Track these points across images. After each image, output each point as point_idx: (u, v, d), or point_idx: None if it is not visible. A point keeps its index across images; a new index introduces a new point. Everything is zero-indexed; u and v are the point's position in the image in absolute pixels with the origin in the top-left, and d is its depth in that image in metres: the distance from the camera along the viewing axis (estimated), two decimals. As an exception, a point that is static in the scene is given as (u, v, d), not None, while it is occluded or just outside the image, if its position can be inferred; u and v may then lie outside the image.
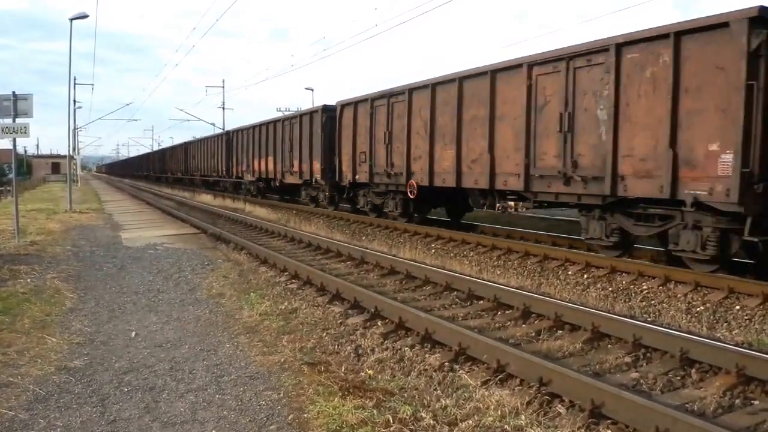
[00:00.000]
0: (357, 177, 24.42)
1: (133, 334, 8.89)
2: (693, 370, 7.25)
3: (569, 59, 14.36)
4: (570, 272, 13.30)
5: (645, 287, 11.77)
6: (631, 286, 11.93)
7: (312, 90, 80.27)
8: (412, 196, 20.69)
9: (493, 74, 16.88)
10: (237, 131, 42.83)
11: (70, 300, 10.91)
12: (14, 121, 17.87)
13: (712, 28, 11.42)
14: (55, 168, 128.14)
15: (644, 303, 11.08)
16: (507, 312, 10.00)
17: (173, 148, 75.21)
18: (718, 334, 9.17)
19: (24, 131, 17.97)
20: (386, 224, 21.82)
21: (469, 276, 12.20)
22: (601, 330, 8.51)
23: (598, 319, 8.69)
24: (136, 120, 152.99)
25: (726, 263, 12.20)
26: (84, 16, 32.35)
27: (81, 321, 9.55)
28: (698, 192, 11.70)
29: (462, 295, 11.07)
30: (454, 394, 6.45)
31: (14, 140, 18.65)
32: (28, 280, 12.29)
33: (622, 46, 13.06)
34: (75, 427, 5.81)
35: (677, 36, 11.95)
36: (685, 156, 11.98)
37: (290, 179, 31.89)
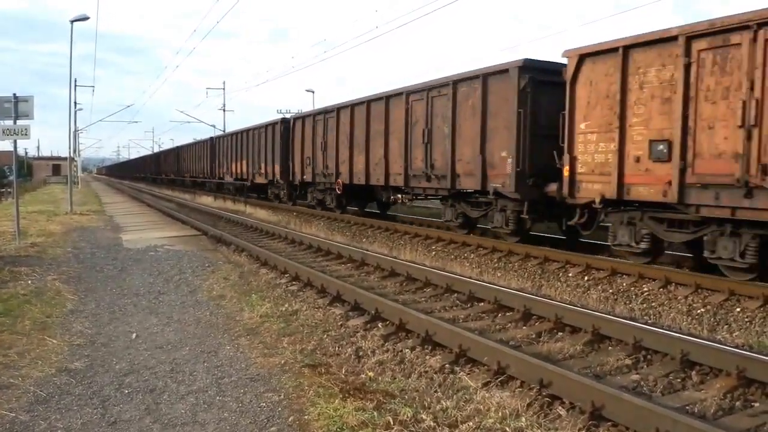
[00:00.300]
0: (305, 177, 30.78)
1: (134, 335, 8.90)
2: (693, 372, 7.25)
3: (429, 90, 20.00)
4: (570, 274, 13.31)
5: (645, 289, 11.79)
6: (632, 288, 11.95)
7: (313, 92, 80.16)
8: (339, 192, 26.97)
9: (387, 99, 22.66)
10: (219, 138, 50.12)
11: (70, 302, 10.91)
12: (15, 122, 17.87)
13: (501, 72, 16.66)
14: (56, 170, 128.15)
15: (645, 305, 11.08)
16: (508, 314, 10.01)
17: (167, 152, 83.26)
18: (719, 336, 9.18)
19: (25, 133, 17.97)
20: (387, 226, 21.93)
21: (470, 278, 12.22)
22: (602, 332, 8.51)
23: (598, 321, 8.69)
24: (136, 122, 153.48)
25: (525, 236, 17.48)
26: (84, 18, 32.35)
27: (82, 323, 9.55)
28: (496, 185, 16.93)
29: (463, 297, 11.07)
30: (455, 396, 6.45)
31: (15, 142, 18.67)
32: (29, 281, 12.29)
33: (457, 82, 18.50)
34: (76, 429, 5.81)
35: (485, 77, 17.23)
36: (489, 160, 17.28)
37: (259, 179, 37.52)
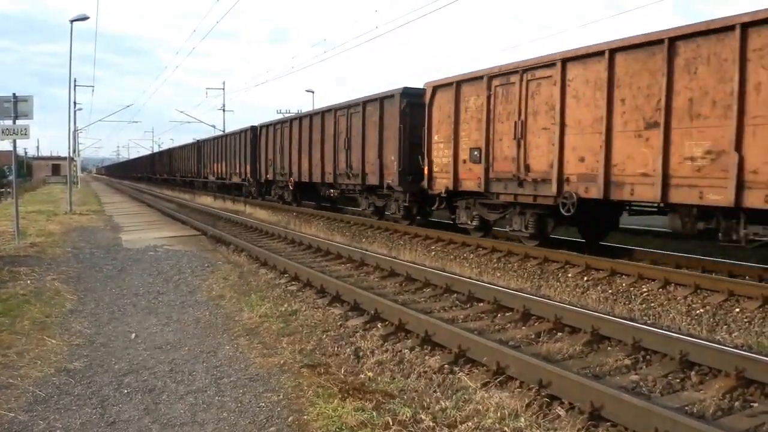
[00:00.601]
0: (268, 176, 36.43)
1: (133, 335, 8.90)
2: (693, 373, 7.24)
3: (348, 108, 25.68)
4: (570, 274, 13.31)
5: (645, 289, 11.79)
6: (631, 289, 11.95)
7: (312, 92, 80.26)
8: (292, 188, 32.84)
9: (323, 114, 28.57)
10: (204, 141, 55.17)
11: (70, 301, 10.91)
12: (14, 122, 17.87)
13: (390, 96, 22.24)
14: (55, 170, 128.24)
15: (644, 305, 11.08)
16: (507, 314, 10.01)
17: (161, 153, 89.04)
18: (718, 337, 9.18)
19: (24, 133, 17.97)
20: (386, 226, 21.98)
21: (469, 278, 12.23)
22: (601, 332, 8.51)
23: (598, 321, 8.69)
24: (136, 122, 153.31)
25: (413, 220, 22.80)
26: (84, 18, 32.36)
27: (81, 322, 9.55)
28: (389, 181, 22.26)
29: (462, 298, 11.08)
30: (454, 396, 6.45)
31: (14, 142, 18.67)
32: (28, 281, 12.29)
33: (365, 102, 23.97)
34: (75, 429, 5.81)
35: (381, 99, 22.84)
36: (384, 162, 22.67)
37: (235, 179, 42.82)
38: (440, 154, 19.36)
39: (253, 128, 39.21)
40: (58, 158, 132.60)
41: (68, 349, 8.21)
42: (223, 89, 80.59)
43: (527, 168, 15.80)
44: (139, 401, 6.45)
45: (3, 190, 58.13)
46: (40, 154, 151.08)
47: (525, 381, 6.76)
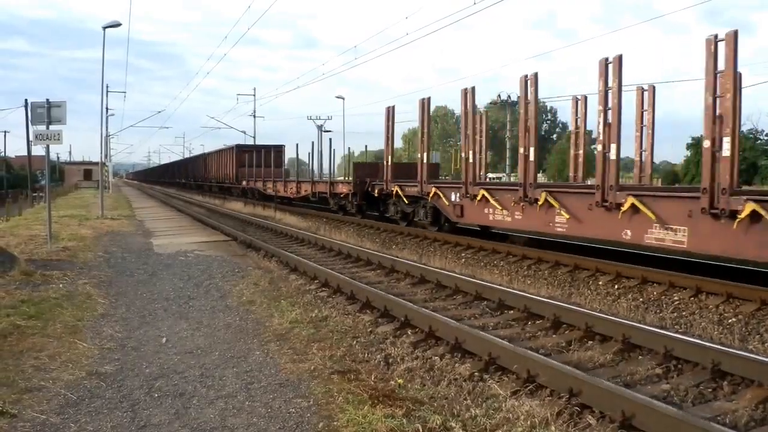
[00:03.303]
0: (243, 183, 48.40)
1: (164, 340, 8.94)
2: (725, 383, 7.19)
3: (223, 150, 55.75)
4: (600, 282, 13.21)
5: (676, 298, 11.68)
6: (662, 297, 11.84)
7: (343, 98, 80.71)
8: (245, 189, 47.93)
9: (220, 151, 56.88)
10: (207, 154, 68.71)
11: (101, 305, 10.99)
12: (48, 128, 18.03)
13: (233, 147, 51.20)
14: (87, 174, 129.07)
15: (675, 314, 10.99)
16: (537, 322, 9.97)
17: (180, 162, 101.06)
18: (750, 346, 9.08)
19: (57, 138, 18.13)
20: (416, 233, 21.78)
21: (500, 285, 12.18)
22: (632, 341, 8.46)
23: (628, 329, 8.64)
24: (167, 128, 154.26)
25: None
26: (117, 25, 32.62)
27: (112, 326, 9.61)
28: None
29: (492, 305, 11.04)
30: (484, 404, 6.43)
31: (47, 147, 18.85)
32: (60, 285, 12.38)
33: (225, 150, 54.51)
34: (106, 432, 5.85)
35: (232, 148, 51.93)
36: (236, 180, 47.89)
37: (227, 183, 55.05)
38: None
39: (238, 146, 53.22)
40: (90, 163, 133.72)
41: (99, 352, 8.27)
42: (254, 95, 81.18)
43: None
44: (170, 405, 6.48)
45: (36, 194, 58.69)
46: (72, 159, 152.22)
47: (555, 389, 6.72)
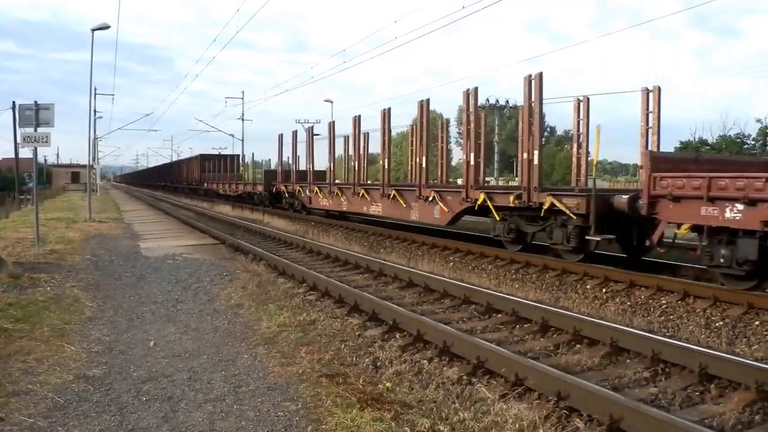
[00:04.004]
0: (206, 185, 57.77)
1: (152, 343, 8.93)
2: (712, 386, 7.23)
3: (191, 159, 71.13)
4: (588, 286, 13.23)
5: (664, 302, 11.70)
6: (650, 301, 11.86)
7: (331, 102, 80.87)
8: (209, 190, 57.09)
9: (190, 160, 72.24)
10: (179, 161, 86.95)
11: (89, 309, 10.96)
12: (36, 130, 17.97)
13: (197, 156, 67.58)
14: (75, 177, 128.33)
15: (663, 318, 11.01)
16: (525, 325, 10.00)
17: (162, 166, 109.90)
18: (738, 350, 9.13)
19: (45, 141, 18.07)
20: (404, 237, 21.74)
21: (488, 289, 12.21)
22: (620, 344, 8.49)
23: (616, 333, 8.67)
24: (155, 130, 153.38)
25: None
26: (105, 27, 32.50)
27: (100, 330, 9.59)
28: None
29: (480, 309, 11.07)
30: (472, 408, 6.45)
31: (35, 149, 18.77)
32: (48, 288, 12.34)
33: (194, 158, 69.87)
34: (94, 436, 5.84)
35: (197, 157, 67.13)
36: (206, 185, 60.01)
37: (194, 185, 66.09)
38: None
39: (202, 155, 66.09)
40: (78, 166, 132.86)
41: (87, 356, 8.25)
42: (242, 99, 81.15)
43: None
44: (158, 409, 6.47)
45: (23, 197, 58.51)
46: (59, 162, 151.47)
47: (544, 393, 6.74)
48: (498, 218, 16.86)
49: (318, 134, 35.38)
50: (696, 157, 16.80)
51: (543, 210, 15.14)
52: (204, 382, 7.27)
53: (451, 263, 17.12)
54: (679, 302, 11.53)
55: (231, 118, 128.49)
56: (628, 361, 8.22)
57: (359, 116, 26.15)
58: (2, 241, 20.20)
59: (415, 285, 13.23)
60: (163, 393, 6.93)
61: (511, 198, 16.06)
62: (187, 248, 19.52)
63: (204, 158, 63.88)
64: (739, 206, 11.04)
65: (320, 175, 31.52)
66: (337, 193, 27.04)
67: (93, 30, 32.46)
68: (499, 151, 69.04)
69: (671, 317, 11.00)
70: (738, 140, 46.31)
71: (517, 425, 5.87)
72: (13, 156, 62.36)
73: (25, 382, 7.14)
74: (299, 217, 31.89)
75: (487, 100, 71.11)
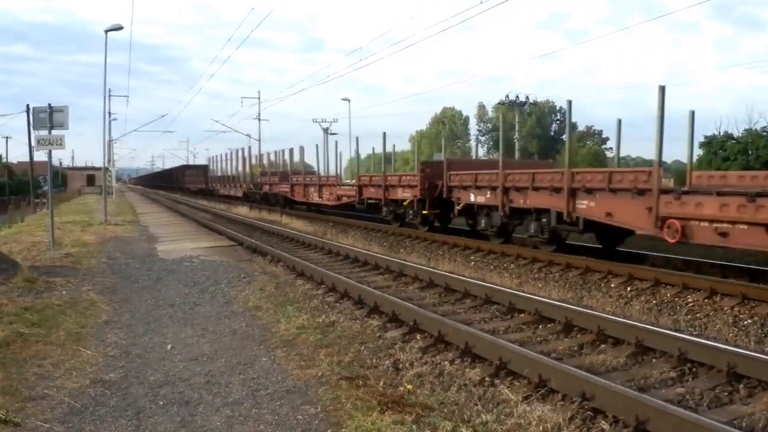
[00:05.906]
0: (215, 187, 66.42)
1: (169, 347, 8.85)
2: (741, 386, 7.09)
3: (197, 167, 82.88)
4: (613, 285, 13.10)
5: (690, 300, 11.56)
6: (676, 299, 11.72)
7: (348, 101, 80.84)
8: (211, 189, 68.70)
9: (184, 167, 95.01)
10: (185, 166, 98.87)
11: (105, 312, 10.90)
12: (50, 132, 17.98)
13: (204, 165, 78.81)
14: (90, 180, 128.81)
15: (690, 316, 10.87)
16: (548, 325, 9.87)
17: (172, 169, 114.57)
18: (767, 348, 8.95)
19: (60, 143, 18.08)
20: (424, 236, 21.76)
21: (510, 289, 12.07)
22: (645, 344, 8.35)
23: (642, 332, 8.53)
24: (171, 131, 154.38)
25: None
26: (119, 28, 32.49)
27: (116, 333, 9.52)
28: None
29: (502, 309, 10.95)
30: (495, 410, 6.31)
31: (50, 152, 18.77)
32: (63, 292, 12.30)
33: (201, 165, 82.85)
34: (110, 441, 5.75)
35: (202, 166, 80.00)
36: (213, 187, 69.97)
37: (200, 187, 75.50)
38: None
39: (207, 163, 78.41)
40: (93, 168, 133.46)
41: (104, 360, 8.17)
42: (259, 98, 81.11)
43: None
44: (175, 413, 6.38)
45: (38, 200, 58.80)
46: (74, 165, 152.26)
47: (568, 394, 6.61)
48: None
49: (336, 133, 38.26)
50: (470, 162, 28.11)
51: None
52: (222, 386, 7.18)
53: (472, 263, 17.03)
54: (706, 300, 11.41)
55: (247, 118, 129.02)
56: (654, 360, 8.08)
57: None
58: (18, 244, 20.25)
59: (436, 285, 13.10)
60: (180, 397, 6.85)
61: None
62: (204, 250, 19.48)
63: (185, 167, 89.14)
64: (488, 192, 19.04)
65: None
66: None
67: (106, 31, 32.46)
68: (519, 148, 68.57)
69: (698, 315, 10.87)
70: (765, 133, 45.82)
71: (540, 427, 5.75)
72: (27, 159, 62.79)
73: (41, 387, 7.08)
74: (318, 217, 32.01)
75: (507, 96, 70.86)
